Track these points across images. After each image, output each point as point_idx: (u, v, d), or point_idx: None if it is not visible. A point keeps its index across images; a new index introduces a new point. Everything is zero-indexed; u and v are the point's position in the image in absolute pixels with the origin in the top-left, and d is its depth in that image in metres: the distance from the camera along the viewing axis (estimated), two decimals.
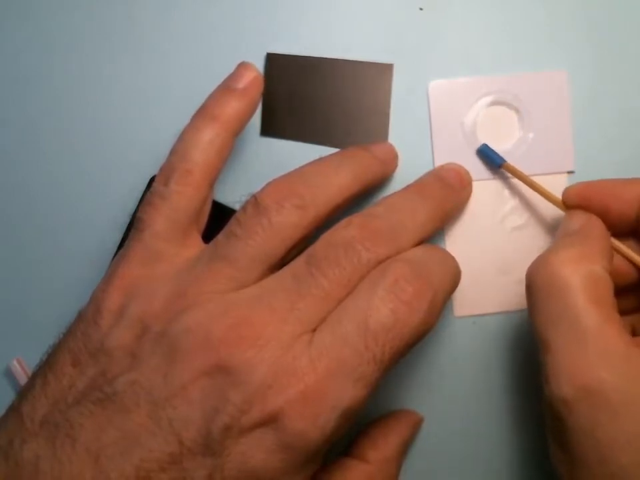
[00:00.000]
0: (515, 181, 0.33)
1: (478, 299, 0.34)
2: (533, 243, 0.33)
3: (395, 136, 0.34)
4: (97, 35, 0.35)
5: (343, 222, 0.27)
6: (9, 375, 0.35)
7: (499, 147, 0.33)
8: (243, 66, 0.31)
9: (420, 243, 0.28)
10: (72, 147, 0.35)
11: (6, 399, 0.27)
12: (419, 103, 0.34)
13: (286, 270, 0.27)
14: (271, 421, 0.24)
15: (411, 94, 0.34)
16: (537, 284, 0.27)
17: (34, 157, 0.35)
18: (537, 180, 0.32)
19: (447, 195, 0.31)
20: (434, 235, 0.30)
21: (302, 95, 0.35)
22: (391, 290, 0.25)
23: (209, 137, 0.29)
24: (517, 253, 0.33)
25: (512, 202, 0.34)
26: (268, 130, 0.35)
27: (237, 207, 0.28)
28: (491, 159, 0.33)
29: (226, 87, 0.31)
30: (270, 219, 0.27)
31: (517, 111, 0.34)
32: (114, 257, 0.30)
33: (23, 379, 0.35)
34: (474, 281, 0.33)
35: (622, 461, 0.24)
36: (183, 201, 0.28)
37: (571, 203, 0.30)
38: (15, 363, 0.35)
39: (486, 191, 0.34)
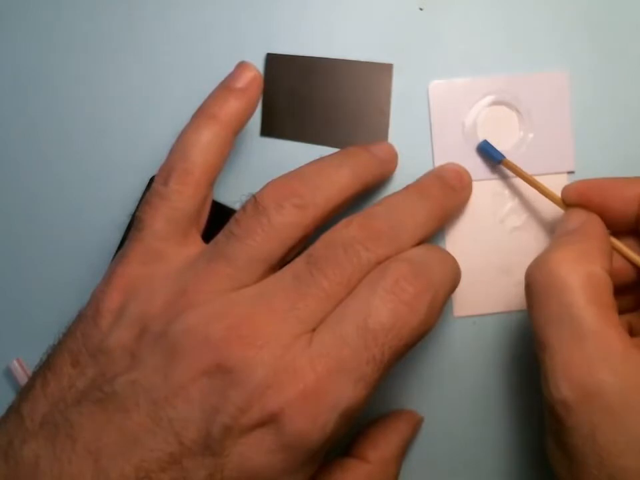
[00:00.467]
0: (515, 180, 0.33)
1: (478, 299, 0.34)
2: (533, 243, 0.33)
3: (395, 136, 0.34)
4: (97, 35, 0.35)
5: (343, 222, 0.27)
6: (9, 375, 0.35)
7: (499, 147, 0.33)
8: (242, 65, 0.31)
9: (420, 242, 0.28)
10: (72, 146, 0.35)
11: (6, 398, 0.27)
12: (419, 103, 0.34)
13: (286, 270, 0.27)
14: (270, 420, 0.24)
15: (411, 94, 0.34)
16: (536, 284, 0.27)
17: (34, 156, 0.35)
18: (537, 180, 0.32)
19: (446, 195, 0.31)
20: (434, 234, 0.30)
21: (302, 95, 0.35)
22: (391, 290, 0.25)
23: (208, 137, 0.29)
24: (517, 253, 0.33)
25: (512, 202, 0.34)
26: (268, 130, 0.35)
27: (237, 206, 0.28)
28: (490, 155, 0.33)
29: (225, 87, 0.31)
30: (270, 218, 0.27)
31: (517, 111, 0.34)
32: (114, 256, 0.30)
33: (23, 379, 0.35)
34: (474, 280, 0.33)
35: (620, 463, 0.24)
36: (182, 200, 0.28)
37: (570, 200, 0.30)
38: (15, 363, 0.35)
39: (486, 191, 0.34)
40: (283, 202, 0.27)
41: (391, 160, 0.33)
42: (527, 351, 0.34)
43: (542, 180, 0.32)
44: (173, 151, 0.29)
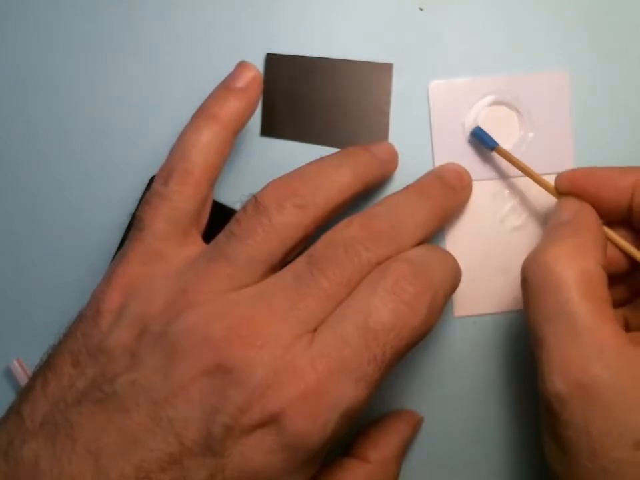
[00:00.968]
0: (515, 180, 0.33)
1: (478, 299, 0.34)
2: (533, 243, 0.33)
3: (395, 136, 0.34)
4: (97, 35, 0.35)
5: (344, 222, 0.27)
6: (9, 375, 0.35)
7: None
8: (241, 65, 0.31)
9: (420, 242, 0.28)
10: (72, 146, 0.35)
11: (6, 398, 0.27)
12: (419, 103, 0.34)
13: (286, 270, 0.27)
14: (271, 421, 0.24)
15: (411, 94, 0.34)
16: (531, 280, 0.27)
17: (34, 156, 0.35)
18: (530, 168, 0.32)
19: (447, 195, 0.31)
20: (434, 234, 0.30)
21: (302, 95, 0.35)
22: (392, 290, 0.25)
23: (208, 137, 0.29)
24: (517, 253, 0.33)
25: (512, 202, 0.34)
26: (268, 130, 0.35)
27: (237, 206, 0.28)
28: (484, 141, 0.33)
29: (225, 87, 0.31)
30: (270, 218, 0.27)
31: (517, 111, 0.34)
32: (114, 256, 0.30)
33: (23, 379, 0.35)
34: (474, 280, 0.33)
35: (613, 455, 0.24)
36: (182, 200, 0.28)
37: (563, 189, 0.30)
38: (15, 363, 0.35)
39: (486, 190, 0.34)
40: (284, 202, 0.27)
41: (391, 160, 0.33)
42: (527, 351, 0.33)
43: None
44: (173, 151, 0.29)
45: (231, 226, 0.27)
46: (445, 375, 0.34)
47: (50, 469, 0.23)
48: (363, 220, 0.27)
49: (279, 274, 0.27)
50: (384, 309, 0.25)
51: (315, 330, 0.25)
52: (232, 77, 0.31)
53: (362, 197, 0.31)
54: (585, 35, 0.34)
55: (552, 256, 0.26)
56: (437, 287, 0.26)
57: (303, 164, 0.29)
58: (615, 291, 0.30)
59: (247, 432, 0.24)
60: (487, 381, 0.34)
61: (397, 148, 0.33)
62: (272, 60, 0.35)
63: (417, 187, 0.30)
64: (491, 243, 0.34)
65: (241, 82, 0.31)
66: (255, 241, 0.27)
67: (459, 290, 0.29)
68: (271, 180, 0.28)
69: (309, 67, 0.34)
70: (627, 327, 0.31)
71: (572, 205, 0.29)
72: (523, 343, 0.34)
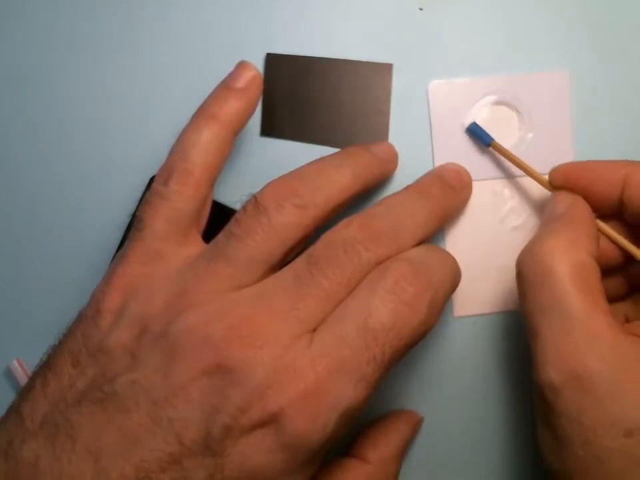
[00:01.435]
0: (515, 180, 0.33)
1: (478, 299, 0.34)
2: None
3: (395, 136, 0.34)
4: (97, 35, 0.35)
5: (343, 222, 0.27)
6: (9, 374, 0.35)
7: None
8: (241, 65, 0.31)
9: (420, 243, 0.28)
10: (72, 146, 0.35)
11: (6, 399, 0.27)
12: (419, 103, 0.34)
13: (286, 270, 0.27)
14: (271, 421, 0.24)
15: (411, 94, 0.34)
16: (526, 272, 0.27)
17: (34, 156, 0.35)
18: (526, 162, 0.32)
19: (447, 195, 0.31)
20: (434, 234, 0.30)
21: (302, 95, 0.35)
22: (391, 290, 0.25)
23: (208, 137, 0.29)
24: (517, 252, 0.33)
25: (512, 202, 0.34)
26: (268, 130, 0.35)
27: (237, 206, 0.28)
28: (480, 137, 0.33)
29: (225, 86, 0.31)
30: (270, 218, 0.27)
31: (517, 111, 0.34)
32: (114, 256, 0.30)
33: (23, 379, 0.35)
34: (474, 280, 0.33)
35: (605, 443, 0.25)
36: (182, 200, 0.28)
37: (557, 183, 0.30)
38: (15, 363, 0.35)
39: (486, 190, 0.34)
40: (284, 202, 0.27)
41: (391, 160, 0.33)
42: (527, 351, 0.33)
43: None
44: (173, 151, 0.29)
45: (231, 226, 0.27)
46: (445, 375, 0.34)
47: (50, 469, 0.23)
48: (362, 220, 0.27)
49: (279, 274, 0.27)
50: (384, 309, 0.25)
51: (315, 330, 0.25)
52: (232, 76, 0.31)
53: (362, 197, 0.31)
54: (585, 35, 0.34)
55: (546, 249, 0.27)
56: (437, 286, 0.26)
57: (303, 164, 0.29)
58: (612, 284, 0.30)
59: (247, 432, 0.24)
60: (487, 381, 0.34)
61: (397, 148, 0.33)
62: (272, 60, 0.35)
63: (417, 187, 0.30)
64: (490, 243, 0.34)
65: (241, 82, 0.31)
66: (255, 241, 0.27)
67: (458, 290, 0.29)
68: (270, 180, 0.28)
69: (308, 67, 0.34)
70: (627, 320, 0.31)
71: (565, 198, 0.30)
72: (523, 342, 0.34)
